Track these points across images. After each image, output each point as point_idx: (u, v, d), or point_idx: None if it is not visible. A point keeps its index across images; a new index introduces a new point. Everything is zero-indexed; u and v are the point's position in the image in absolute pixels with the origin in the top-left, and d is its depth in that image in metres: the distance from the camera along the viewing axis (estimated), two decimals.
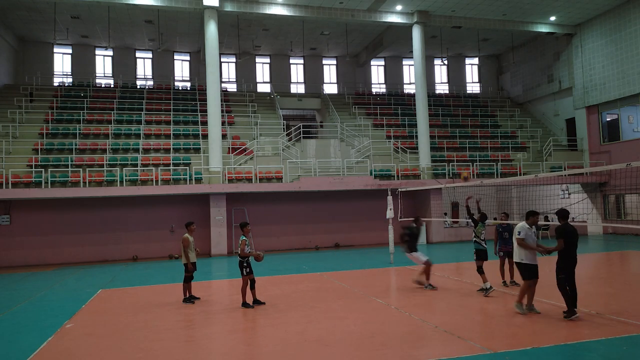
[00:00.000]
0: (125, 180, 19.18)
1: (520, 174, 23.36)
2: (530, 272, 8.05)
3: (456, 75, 32.74)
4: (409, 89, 31.37)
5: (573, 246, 7.64)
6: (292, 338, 7.20)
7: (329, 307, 9.20)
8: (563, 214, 7.86)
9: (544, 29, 25.61)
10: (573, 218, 24.08)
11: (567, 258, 7.66)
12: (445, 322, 7.72)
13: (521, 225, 8.20)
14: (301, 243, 22.67)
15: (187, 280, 10.20)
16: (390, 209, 15.50)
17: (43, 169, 18.92)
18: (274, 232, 22.20)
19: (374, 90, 31.23)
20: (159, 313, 9.26)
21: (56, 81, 26.61)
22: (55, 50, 26.83)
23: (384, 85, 31.60)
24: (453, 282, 11.58)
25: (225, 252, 20.40)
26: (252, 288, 9.57)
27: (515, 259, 8.26)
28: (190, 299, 10.21)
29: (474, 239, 10.19)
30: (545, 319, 7.72)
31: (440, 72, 32.73)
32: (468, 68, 33.15)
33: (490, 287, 9.77)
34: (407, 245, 10.93)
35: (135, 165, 20.13)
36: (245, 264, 9.38)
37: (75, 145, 20.79)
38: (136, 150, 21.30)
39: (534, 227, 8.25)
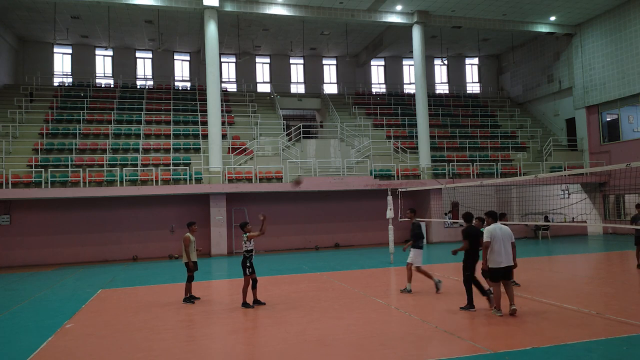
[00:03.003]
0: (125, 180, 19.18)
1: (520, 174, 23.35)
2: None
3: (456, 75, 32.74)
4: (409, 89, 31.37)
5: (476, 246, 8.54)
6: (292, 338, 7.20)
7: (329, 307, 9.20)
8: (468, 217, 8.76)
9: (544, 29, 25.61)
10: (573, 218, 24.13)
11: (472, 257, 8.53)
12: (445, 322, 7.73)
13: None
14: (301, 243, 22.67)
15: (190, 280, 10.21)
16: (390, 209, 15.50)
17: (43, 169, 18.93)
18: (274, 232, 22.16)
19: (374, 90, 31.23)
20: (159, 313, 9.26)
21: (56, 81, 26.61)
22: (55, 50, 26.83)
23: (384, 85, 31.60)
24: (453, 282, 11.57)
25: (225, 252, 20.41)
26: (254, 288, 9.59)
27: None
28: (190, 299, 10.21)
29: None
30: (545, 319, 7.72)
31: (440, 72, 32.73)
32: (468, 68, 33.15)
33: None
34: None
35: (135, 165, 20.13)
36: (248, 264, 9.39)
37: (75, 145, 20.79)
38: (136, 150, 21.30)
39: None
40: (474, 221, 9.13)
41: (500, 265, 8.00)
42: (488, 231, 8.10)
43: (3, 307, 10.55)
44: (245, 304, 9.41)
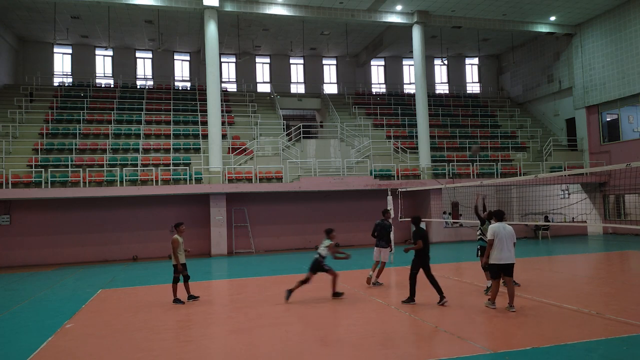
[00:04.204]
0: (125, 180, 19.18)
1: (520, 174, 23.35)
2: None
3: (456, 75, 32.74)
4: (409, 89, 31.37)
5: (426, 247, 9.21)
6: (292, 338, 7.20)
7: (329, 307, 9.20)
8: (416, 220, 9.53)
9: (544, 29, 25.61)
10: (573, 218, 24.11)
11: (423, 256, 9.18)
12: (445, 322, 7.73)
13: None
14: (301, 243, 22.66)
15: (176, 281, 10.14)
16: (390, 209, 15.49)
17: (43, 169, 18.92)
18: (274, 232, 22.20)
19: (374, 90, 31.22)
20: (159, 313, 9.26)
21: (56, 81, 26.61)
22: (55, 50, 26.83)
23: (384, 85, 31.60)
24: (453, 282, 11.58)
25: (225, 252, 20.39)
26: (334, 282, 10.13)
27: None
28: (179, 300, 10.10)
29: (480, 236, 10.31)
30: (545, 319, 7.72)
31: (440, 72, 32.72)
32: (468, 68, 33.15)
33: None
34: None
35: (135, 165, 20.12)
36: (325, 266, 9.99)
37: (75, 145, 20.79)
38: (136, 150, 21.30)
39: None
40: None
41: (500, 262, 8.33)
42: (492, 229, 8.45)
43: (3, 307, 10.55)
44: (337, 294, 9.96)
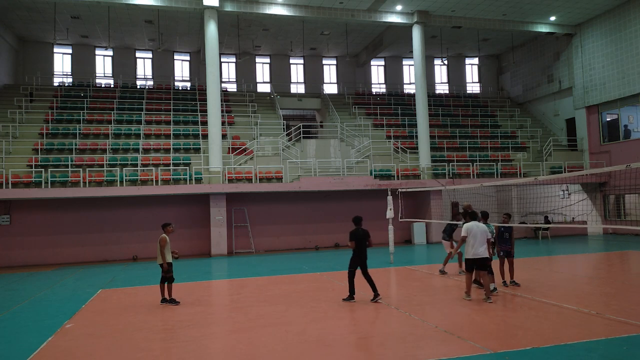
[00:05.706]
0: (125, 180, 19.18)
1: (520, 174, 23.34)
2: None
3: (456, 75, 32.74)
4: (409, 89, 31.37)
5: (362, 246, 9.82)
6: (292, 338, 7.20)
7: (329, 307, 9.21)
8: (357, 220, 10.06)
9: (544, 29, 25.61)
10: (573, 219, 24.09)
11: (358, 255, 9.73)
12: (445, 322, 7.73)
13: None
14: (301, 243, 22.67)
15: (163, 280, 10.11)
16: (390, 209, 15.50)
17: (43, 169, 18.92)
18: (274, 232, 22.20)
19: (374, 90, 31.22)
20: (159, 313, 9.26)
21: (56, 81, 26.61)
22: (55, 50, 26.82)
23: (384, 85, 31.60)
24: (453, 282, 11.59)
25: (225, 252, 20.39)
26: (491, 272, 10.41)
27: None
28: (173, 300, 10.11)
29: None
30: (545, 319, 7.72)
31: (440, 72, 32.72)
32: (468, 68, 33.14)
33: (495, 288, 9.92)
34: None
35: (135, 165, 20.12)
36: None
37: (75, 145, 20.79)
38: (136, 150, 21.30)
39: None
40: (465, 218, 10.80)
41: (475, 257, 9.25)
42: (465, 227, 9.37)
43: (3, 307, 10.55)
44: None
